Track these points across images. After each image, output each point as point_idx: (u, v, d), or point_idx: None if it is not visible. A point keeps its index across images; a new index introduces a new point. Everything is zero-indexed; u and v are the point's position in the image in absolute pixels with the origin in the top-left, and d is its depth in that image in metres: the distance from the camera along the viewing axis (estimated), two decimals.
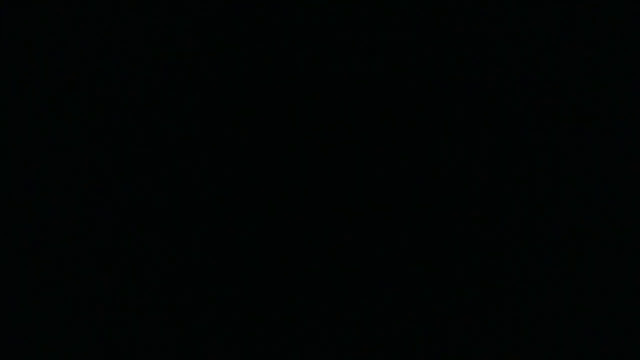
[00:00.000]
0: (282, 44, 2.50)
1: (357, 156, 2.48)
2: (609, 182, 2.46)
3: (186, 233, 2.47)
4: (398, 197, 2.48)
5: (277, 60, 2.50)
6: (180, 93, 2.50)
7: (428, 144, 2.48)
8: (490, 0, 2.49)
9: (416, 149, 2.48)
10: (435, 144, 2.48)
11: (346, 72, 2.50)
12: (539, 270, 2.45)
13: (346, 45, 2.50)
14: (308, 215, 2.47)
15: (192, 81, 2.50)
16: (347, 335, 2.43)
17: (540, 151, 2.48)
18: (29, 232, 2.45)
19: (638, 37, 2.49)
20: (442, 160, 2.48)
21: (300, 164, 2.48)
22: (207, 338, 2.43)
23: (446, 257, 2.46)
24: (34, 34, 2.49)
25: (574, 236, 2.45)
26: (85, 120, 2.49)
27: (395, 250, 2.46)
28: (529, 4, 2.50)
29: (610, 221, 2.45)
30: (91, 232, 2.45)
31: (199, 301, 2.44)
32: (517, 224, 2.46)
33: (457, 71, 2.50)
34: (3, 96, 2.48)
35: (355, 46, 2.50)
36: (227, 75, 2.50)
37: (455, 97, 2.50)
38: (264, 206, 2.48)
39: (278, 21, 2.50)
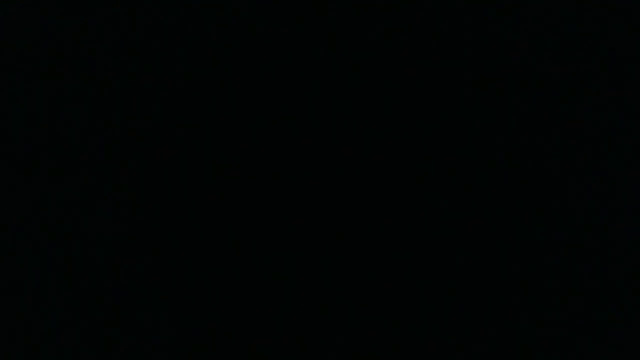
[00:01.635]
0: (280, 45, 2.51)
1: (355, 157, 2.49)
2: (608, 183, 2.46)
3: (183, 233, 2.47)
4: (396, 198, 2.48)
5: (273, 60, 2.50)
6: (177, 93, 2.51)
7: (426, 143, 2.49)
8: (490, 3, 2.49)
9: (414, 149, 2.48)
10: (434, 144, 2.49)
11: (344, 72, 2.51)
12: (539, 270, 2.45)
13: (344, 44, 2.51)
14: (307, 215, 2.47)
15: (188, 81, 2.51)
16: (346, 336, 2.44)
17: (540, 152, 2.48)
18: (28, 232, 2.45)
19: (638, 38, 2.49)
20: (441, 161, 2.48)
21: (299, 164, 2.49)
22: (205, 338, 2.44)
23: (445, 257, 2.46)
24: (33, 34, 2.50)
25: (574, 236, 2.45)
26: (82, 120, 2.49)
27: (394, 251, 2.46)
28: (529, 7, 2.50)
29: (610, 221, 2.45)
30: (90, 231, 2.46)
31: (196, 301, 2.45)
32: (516, 224, 2.46)
33: (457, 71, 2.50)
34: (3, 96, 2.49)
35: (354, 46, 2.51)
36: (224, 76, 2.51)
37: (454, 98, 2.50)
38: (262, 207, 2.48)
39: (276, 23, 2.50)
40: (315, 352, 2.43)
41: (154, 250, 2.46)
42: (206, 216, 2.47)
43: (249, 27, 2.51)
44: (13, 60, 2.50)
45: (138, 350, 2.42)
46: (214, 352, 2.43)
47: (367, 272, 2.46)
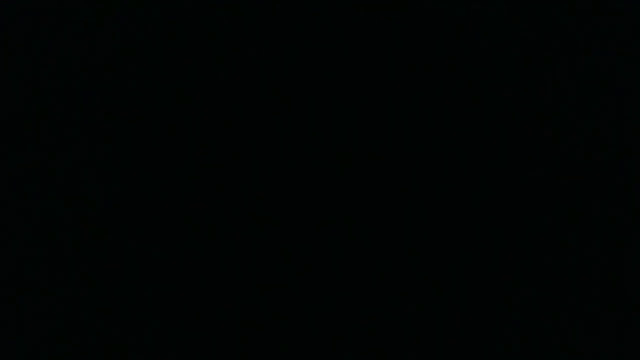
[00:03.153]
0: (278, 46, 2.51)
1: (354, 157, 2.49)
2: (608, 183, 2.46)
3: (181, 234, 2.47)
4: (395, 198, 2.48)
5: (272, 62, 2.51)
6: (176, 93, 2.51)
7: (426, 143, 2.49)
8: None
9: (414, 149, 2.49)
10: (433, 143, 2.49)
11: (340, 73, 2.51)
12: (538, 271, 2.45)
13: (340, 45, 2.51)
14: (306, 215, 2.47)
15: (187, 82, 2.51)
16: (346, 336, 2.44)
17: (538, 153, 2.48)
18: (28, 232, 2.46)
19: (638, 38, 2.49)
20: (441, 160, 2.48)
21: (299, 164, 2.49)
22: (204, 339, 2.44)
23: (445, 257, 2.46)
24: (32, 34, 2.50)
25: (573, 237, 2.45)
26: (83, 121, 2.50)
27: (393, 251, 2.46)
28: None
29: (610, 222, 2.45)
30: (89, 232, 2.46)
31: (196, 302, 2.45)
32: (516, 225, 2.46)
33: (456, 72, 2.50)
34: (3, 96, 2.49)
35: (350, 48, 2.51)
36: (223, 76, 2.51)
37: (453, 98, 2.50)
38: (262, 207, 2.48)
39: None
40: (315, 352, 2.43)
41: (153, 250, 2.46)
42: (205, 216, 2.48)
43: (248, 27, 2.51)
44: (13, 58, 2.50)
45: (138, 350, 2.42)
46: (214, 352, 2.43)
47: (365, 272, 2.46)
